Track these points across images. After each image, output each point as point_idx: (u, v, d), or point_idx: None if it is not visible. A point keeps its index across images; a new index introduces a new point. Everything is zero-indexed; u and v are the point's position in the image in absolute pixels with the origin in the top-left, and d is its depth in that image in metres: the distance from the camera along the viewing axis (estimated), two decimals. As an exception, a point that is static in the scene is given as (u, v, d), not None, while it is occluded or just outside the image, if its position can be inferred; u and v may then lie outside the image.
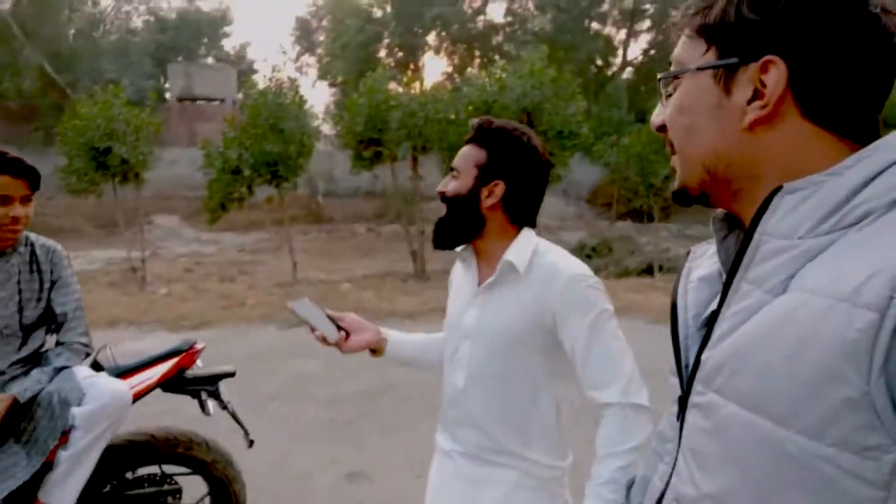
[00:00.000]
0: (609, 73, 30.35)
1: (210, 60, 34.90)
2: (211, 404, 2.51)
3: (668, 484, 0.77)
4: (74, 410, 2.07)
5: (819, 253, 0.62)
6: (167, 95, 29.55)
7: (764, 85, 0.65)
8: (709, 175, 0.72)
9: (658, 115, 0.77)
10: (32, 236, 2.27)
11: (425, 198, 13.50)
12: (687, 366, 0.75)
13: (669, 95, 0.75)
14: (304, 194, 21.58)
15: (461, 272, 1.58)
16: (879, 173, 0.61)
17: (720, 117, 0.69)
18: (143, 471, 2.54)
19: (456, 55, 31.96)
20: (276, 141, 10.64)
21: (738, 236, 0.75)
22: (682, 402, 0.75)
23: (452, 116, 11.41)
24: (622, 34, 31.61)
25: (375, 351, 1.60)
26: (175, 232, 21.60)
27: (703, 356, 0.70)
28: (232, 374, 2.61)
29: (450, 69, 30.93)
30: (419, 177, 12.48)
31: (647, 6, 30.20)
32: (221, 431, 2.88)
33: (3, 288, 2.16)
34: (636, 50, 32.08)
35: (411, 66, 26.89)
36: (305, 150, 11.52)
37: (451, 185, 1.46)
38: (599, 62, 31.08)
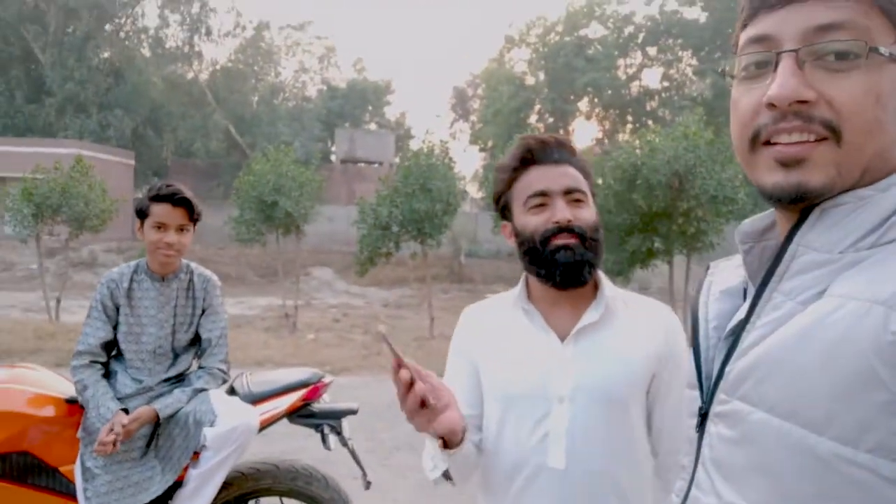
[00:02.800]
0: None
1: (373, 126, 37.53)
2: (332, 439, 2.55)
3: (685, 498, 0.73)
4: (206, 431, 2.17)
5: (855, 265, 0.60)
6: (333, 158, 32.03)
7: None
8: (859, 177, 0.63)
9: (806, 89, 0.62)
10: (192, 265, 2.47)
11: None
12: (709, 377, 0.72)
13: (816, 62, 0.62)
14: (448, 254, 22.14)
15: (506, 328, 1.28)
16: None
17: None
18: (265, 501, 2.60)
19: (607, 121, 31.83)
20: (424, 199, 11.04)
21: (763, 249, 0.73)
22: (703, 414, 0.72)
23: (599, 182, 11.27)
24: (788, 99, 29.97)
25: (447, 444, 1.11)
26: (328, 284, 22.92)
27: (728, 367, 0.68)
28: (355, 412, 2.64)
29: (600, 134, 30.81)
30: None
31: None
32: (340, 473, 2.90)
33: (162, 310, 2.36)
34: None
35: (560, 132, 27.14)
36: (451, 208, 11.84)
37: (584, 213, 1.23)
38: (761, 128, 29.55)
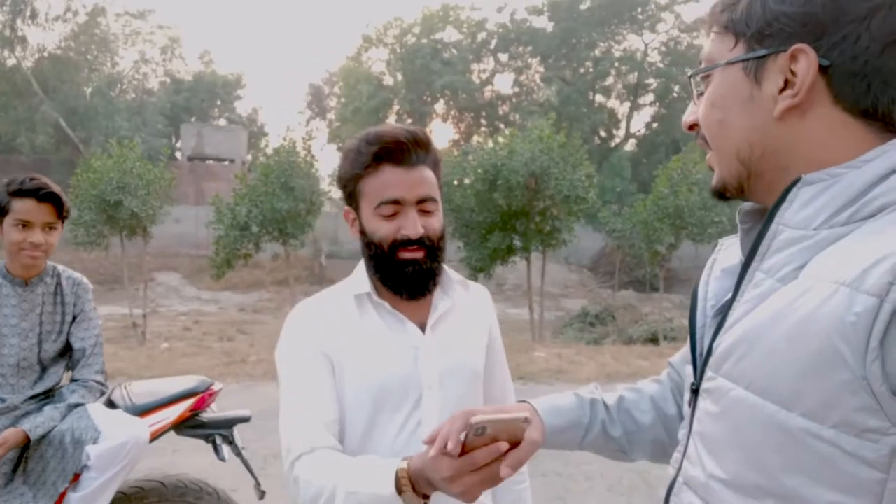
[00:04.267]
0: (612, 144, 30.97)
1: (222, 122, 35.73)
2: (226, 450, 2.41)
3: (679, 470, 0.77)
4: (88, 449, 1.97)
5: (832, 243, 0.62)
6: (178, 155, 30.10)
7: (794, 74, 0.66)
8: (744, 167, 0.72)
9: (689, 115, 0.78)
10: (60, 267, 2.22)
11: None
12: (701, 353, 0.76)
13: (701, 94, 0.76)
14: (307, 255, 21.63)
15: (359, 323, 1.23)
16: None
17: (752, 109, 0.70)
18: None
19: (462, 123, 32.72)
20: (287, 198, 10.73)
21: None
22: (695, 389, 0.75)
23: (455, 182, 11.56)
24: (625, 107, 32.45)
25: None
26: (175, 290, 21.55)
27: (715, 343, 0.71)
28: (247, 419, 2.51)
29: (456, 136, 31.62)
30: (426, 238, 12.52)
31: (651, 81, 31.10)
32: (226, 485, 2.75)
33: (26, 319, 2.10)
34: (639, 123, 32.76)
35: (418, 133, 27.49)
36: (314, 208, 11.61)
37: (433, 222, 1.21)
38: (603, 133, 31.78)
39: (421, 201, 1.18)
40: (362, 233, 1.23)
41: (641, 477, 4.20)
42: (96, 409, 2.11)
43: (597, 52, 31.06)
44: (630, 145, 31.50)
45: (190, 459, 3.60)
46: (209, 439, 2.41)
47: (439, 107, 32.20)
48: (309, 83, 34.73)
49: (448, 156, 12.13)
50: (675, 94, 30.71)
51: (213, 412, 2.47)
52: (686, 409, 0.78)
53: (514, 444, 0.86)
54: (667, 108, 31.06)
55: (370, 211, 1.19)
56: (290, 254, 11.91)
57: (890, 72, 0.63)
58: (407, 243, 1.17)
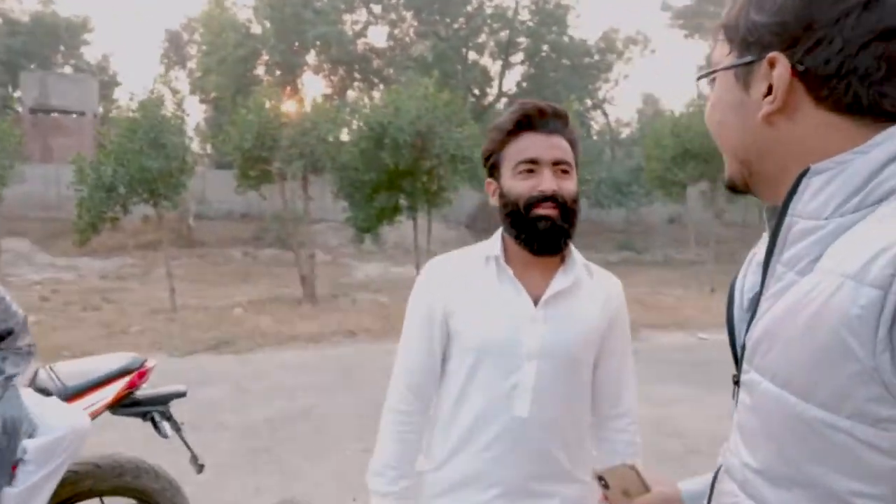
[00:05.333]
0: (485, 102, 31.46)
1: (68, 70, 32.31)
2: (166, 426, 2.33)
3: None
4: (25, 443, 1.84)
5: (843, 232, 0.64)
6: (18, 107, 26.96)
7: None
8: (744, 167, 0.76)
9: (706, 115, 0.83)
10: None
11: (314, 220, 13.27)
12: (742, 346, 0.77)
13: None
14: (174, 217, 20.39)
15: (480, 283, 1.34)
16: None
17: (742, 113, 0.73)
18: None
19: (335, 76, 31.79)
20: (157, 157, 10.02)
21: None
22: (736, 382, 0.78)
23: (331, 139, 11.32)
24: (498, 65, 32.95)
25: None
26: (26, 257, 19.59)
27: (747, 337, 0.74)
28: (184, 394, 2.44)
29: (329, 90, 30.70)
30: (310, 198, 12.24)
31: (522, 39, 31.72)
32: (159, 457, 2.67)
33: None
34: (510, 82, 33.43)
35: (289, 86, 26.43)
36: (187, 166, 10.95)
37: (568, 184, 1.29)
38: (477, 91, 32.16)
39: (557, 163, 1.28)
40: (501, 195, 1.32)
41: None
42: (30, 397, 1.96)
43: (469, 8, 31.13)
44: (502, 104, 32.16)
45: (117, 437, 3.42)
46: (146, 417, 2.32)
47: (311, 58, 31.03)
48: (165, 29, 31.97)
49: (322, 110, 11.77)
50: (543, 54, 31.57)
51: (147, 389, 2.37)
52: (731, 401, 0.81)
53: None
54: (536, 68, 31.91)
55: (510, 173, 1.29)
56: (164, 216, 11.22)
57: (869, 68, 0.65)
58: (541, 199, 1.25)
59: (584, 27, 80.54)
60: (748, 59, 0.71)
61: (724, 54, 0.75)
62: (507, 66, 32.70)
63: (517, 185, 1.28)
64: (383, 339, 8.08)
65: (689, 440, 4.62)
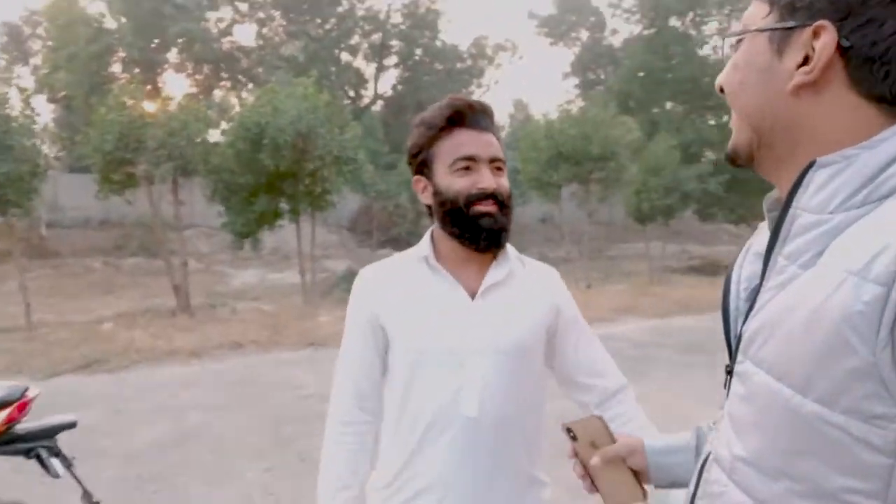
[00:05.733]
0: (361, 104, 31.21)
1: None
2: (55, 463, 2.03)
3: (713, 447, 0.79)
4: None
5: (848, 227, 0.63)
6: None
7: (814, 50, 0.66)
8: (756, 135, 0.73)
9: (720, 77, 0.79)
10: None
11: (184, 226, 12.45)
12: (736, 337, 0.77)
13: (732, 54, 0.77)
14: (24, 225, 18.44)
15: (414, 285, 1.32)
16: None
17: (769, 79, 0.71)
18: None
19: (200, 75, 30.20)
20: (5, 160, 8.99)
21: None
22: (729, 371, 0.77)
23: (198, 140, 10.71)
24: (372, 68, 32.79)
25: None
26: None
27: (744, 328, 0.73)
28: (73, 425, 2.15)
29: (194, 89, 29.08)
30: (181, 202, 11.49)
31: (395, 43, 31.78)
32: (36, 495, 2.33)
33: None
34: (385, 84, 33.39)
35: (149, 85, 24.75)
36: (40, 170, 9.93)
37: (504, 181, 1.30)
38: (352, 93, 31.83)
39: (493, 160, 1.28)
40: (436, 193, 1.30)
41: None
42: None
43: (340, 10, 30.74)
44: (378, 106, 32.06)
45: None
46: (31, 454, 2.01)
47: (172, 56, 29.27)
48: (3, 22, 28.86)
49: (191, 110, 11.10)
50: (417, 58, 31.81)
51: (29, 421, 2.05)
52: (722, 391, 0.80)
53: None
54: (410, 71, 32.09)
55: (444, 170, 1.28)
56: (13, 224, 10.09)
57: None
58: (481, 197, 1.25)
59: (456, 33, 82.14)
60: (790, 23, 0.68)
61: (760, 16, 0.72)
62: (381, 68, 32.65)
63: (456, 183, 1.27)
64: (272, 349, 7.71)
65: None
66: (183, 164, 10.65)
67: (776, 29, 0.69)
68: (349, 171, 10.95)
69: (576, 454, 1.03)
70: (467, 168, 1.26)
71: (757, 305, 0.71)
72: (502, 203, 1.28)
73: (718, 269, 17.22)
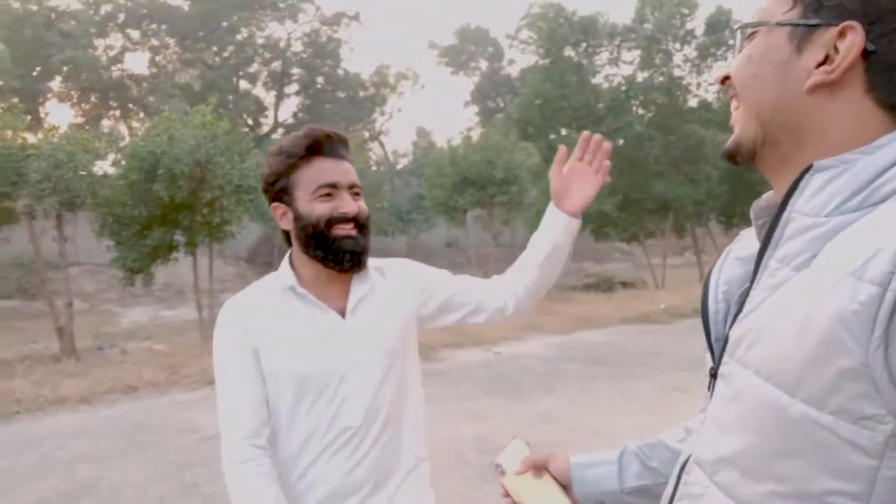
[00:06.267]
0: (261, 132, 30.59)
1: None
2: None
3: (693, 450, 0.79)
4: None
5: (843, 230, 0.63)
6: None
7: (836, 50, 0.66)
8: (762, 131, 0.73)
9: (723, 68, 0.80)
10: None
11: (70, 264, 11.64)
12: (718, 339, 0.78)
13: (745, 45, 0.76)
14: None
15: (283, 315, 1.38)
16: None
17: (784, 75, 0.70)
18: None
19: (86, 104, 28.67)
20: None
21: None
22: (713, 374, 0.77)
23: (100, 172, 10.18)
24: (272, 96, 32.27)
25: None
26: None
27: (730, 330, 0.73)
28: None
29: (81, 119, 27.54)
30: (65, 238, 10.75)
31: (295, 71, 31.46)
32: None
33: None
34: (286, 112, 32.89)
35: (29, 115, 23.18)
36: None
37: (363, 205, 1.40)
38: (250, 121, 31.15)
39: (351, 186, 1.38)
40: (297, 218, 1.37)
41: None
42: None
43: (239, 38, 30.17)
44: (279, 134, 31.53)
45: None
46: None
47: (56, 84, 27.65)
48: None
49: (78, 140, 10.49)
50: (318, 86, 31.61)
51: None
52: (705, 393, 0.80)
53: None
54: (311, 99, 31.82)
55: (307, 197, 1.35)
56: None
57: None
58: (342, 220, 1.34)
59: (358, 61, 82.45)
60: (815, 21, 0.67)
61: (781, 10, 0.71)
62: (281, 96, 32.22)
63: (318, 208, 1.35)
64: (170, 390, 7.29)
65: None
66: (69, 197, 10.00)
67: (800, 24, 0.68)
68: (249, 199, 10.63)
69: (506, 493, 1.05)
70: (328, 194, 1.35)
71: (746, 308, 0.71)
72: (362, 226, 1.38)
73: (613, 286, 17.99)
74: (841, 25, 0.65)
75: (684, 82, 20.72)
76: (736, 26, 0.78)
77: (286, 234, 1.43)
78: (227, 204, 10.41)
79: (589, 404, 6.10)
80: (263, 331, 1.36)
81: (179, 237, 10.78)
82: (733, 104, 0.78)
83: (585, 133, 1.42)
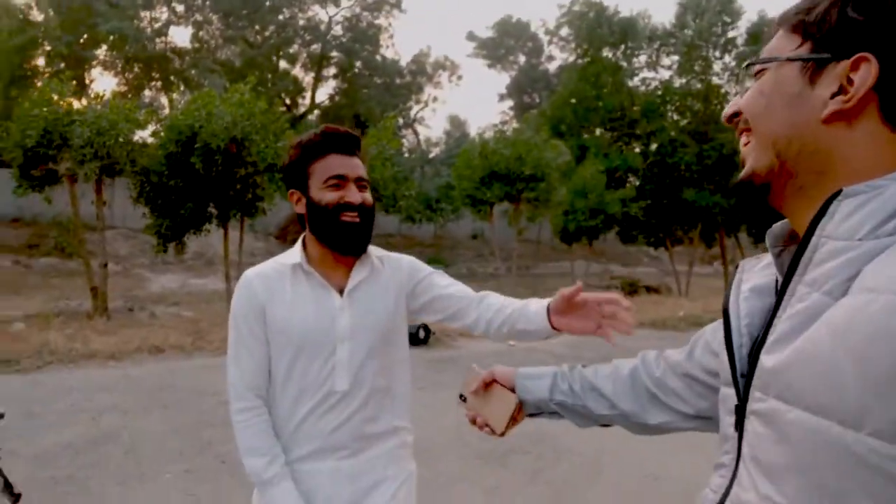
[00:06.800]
0: (297, 113, 30.95)
1: None
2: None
3: (726, 494, 0.76)
4: None
5: (880, 253, 0.62)
6: None
7: (850, 82, 0.67)
8: (778, 161, 0.73)
9: (731, 106, 0.81)
10: None
11: (107, 227, 12.04)
12: (742, 374, 0.75)
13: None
14: None
15: (291, 288, 1.55)
16: None
17: (798, 105, 0.71)
18: None
19: (130, 74, 29.29)
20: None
21: (793, 250, 0.76)
22: (740, 411, 0.74)
23: (139, 141, 10.51)
24: (310, 77, 32.61)
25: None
26: None
27: (759, 362, 0.70)
28: (0, 416, 2.16)
29: (123, 88, 28.16)
30: (103, 202, 11.14)
31: (334, 54, 31.74)
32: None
33: None
34: (323, 94, 33.20)
35: (75, 81, 23.77)
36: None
37: (368, 196, 1.57)
38: (288, 101, 31.53)
39: (358, 179, 1.55)
40: (309, 204, 1.53)
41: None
42: None
43: (281, 18, 30.53)
44: (315, 115, 31.87)
45: None
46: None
47: (101, 53, 28.27)
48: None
49: (121, 109, 10.83)
50: (356, 70, 31.86)
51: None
52: (730, 431, 0.77)
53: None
54: (349, 83, 32.10)
55: (319, 186, 1.52)
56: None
57: None
58: (348, 208, 1.51)
59: (396, 48, 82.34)
60: (826, 55, 0.69)
61: (789, 48, 0.73)
62: (319, 78, 32.52)
63: (327, 195, 1.52)
64: (195, 355, 7.60)
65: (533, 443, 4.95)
66: (109, 163, 10.36)
67: (811, 59, 0.70)
68: (282, 179, 10.88)
69: (469, 415, 1.27)
70: (337, 185, 1.52)
71: (772, 338, 0.69)
72: (365, 215, 1.54)
73: (637, 289, 17.96)
74: (854, 57, 0.67)
75: (722, 91, 20.54)
76: (744, 64, 0.85)
77: (300, 217, 1.59)
78: (259, 181, 10.68)
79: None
80: (272, 299, 1.53)
81: (212, 210, 11.12)
82: (742, 139, 0.79)
83: (628, 303, 1.50)
